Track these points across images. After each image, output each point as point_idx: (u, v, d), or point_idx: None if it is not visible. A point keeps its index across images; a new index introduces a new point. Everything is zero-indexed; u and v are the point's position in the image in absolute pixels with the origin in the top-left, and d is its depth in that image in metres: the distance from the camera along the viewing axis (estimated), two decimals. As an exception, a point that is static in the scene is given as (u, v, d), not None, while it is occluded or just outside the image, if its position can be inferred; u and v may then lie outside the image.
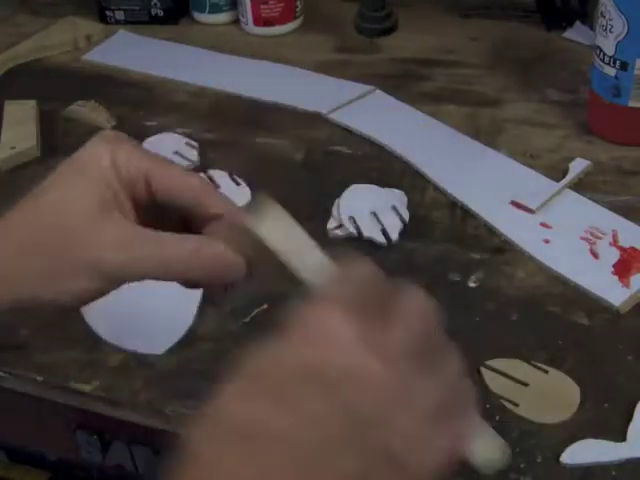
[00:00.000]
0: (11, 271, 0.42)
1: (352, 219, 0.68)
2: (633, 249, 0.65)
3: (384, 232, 0.68)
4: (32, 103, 0.86)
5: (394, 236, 0.68)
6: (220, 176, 0.75)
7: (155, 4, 1.02)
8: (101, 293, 0.42)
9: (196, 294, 0.63)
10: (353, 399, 0.34)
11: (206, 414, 0.35)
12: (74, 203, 0.42)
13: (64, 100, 0.87)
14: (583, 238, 0.67)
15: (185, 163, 0.77)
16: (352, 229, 0.68)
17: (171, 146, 0.78)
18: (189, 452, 0.34)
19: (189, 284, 0.44)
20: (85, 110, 0.86)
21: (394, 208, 0.69)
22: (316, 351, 0.35)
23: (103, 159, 0.42)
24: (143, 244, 0.42)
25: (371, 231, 0.68)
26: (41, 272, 0.41)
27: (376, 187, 0.71)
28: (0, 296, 0.41)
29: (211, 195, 0.44)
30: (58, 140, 0.83)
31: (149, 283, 0.63)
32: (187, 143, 0.79)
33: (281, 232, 0.41)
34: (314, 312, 0.36)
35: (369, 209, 0.69)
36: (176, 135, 0.81)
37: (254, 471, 0.33)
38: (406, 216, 0.69)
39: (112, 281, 0.42)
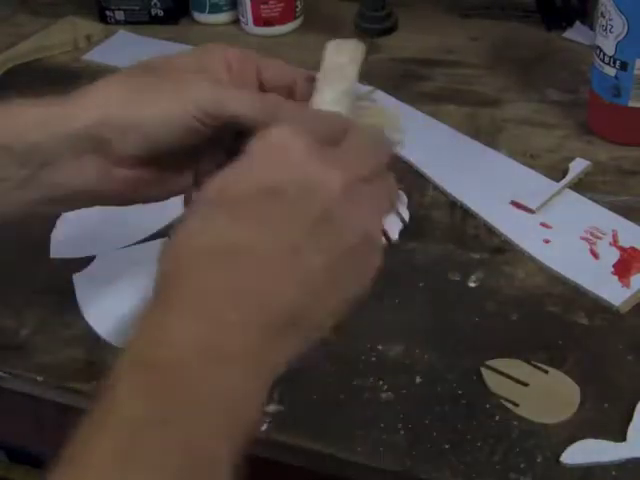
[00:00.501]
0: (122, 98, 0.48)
1: None
2: (633, 249, 0.65)
3: (384, 232, 0.68)
4: (32, 103, 0.86)
5: (394, 236, 0.68)
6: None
7: (155, 4, 1.02)
8: (191, 128, 0.46)
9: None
10: (312, 206, 0.37)
11: (179, 240, 0.37)
12: (178, 62, 0.51)
13: (64, 100, 0.87)
14: (583, 238, 0.67)
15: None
16: None
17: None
18: (167, 271, 0.36)
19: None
20: (85, 110, 0.86)
21: None
22: (275, 170, 0.38)
23: (216, 54, 0.51)
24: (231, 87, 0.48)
25: None
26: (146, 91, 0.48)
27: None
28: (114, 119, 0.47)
29: (301, 73, 0.53)
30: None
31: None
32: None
33: (336, 60, 0.48)
34: (272, 136, 0.39)
35: None
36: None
37: (226, 283, 0.35)
38: (406, 216, 0.69)
39: (205, 114, 0.46)
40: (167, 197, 0.51)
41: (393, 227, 0.68)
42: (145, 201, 0.51)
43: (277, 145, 0.38)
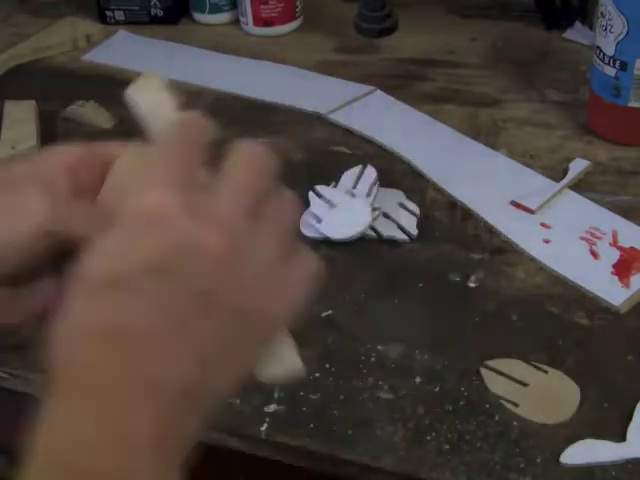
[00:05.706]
0: None
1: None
2: (633, 249, 0.65)
3: (402, 229, 0.68)
4: (32, 103, 0.86)
5: (413, 231, 0.68)
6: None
7: (155, 4, 1.02)
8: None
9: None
10: (194, 275, 0.35)
11: (65, 322, 0.35)
12: (14, 172, 0.42)
13: (64, 100, 0.87)
14: (583, 238, 0.67)
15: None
16: (370, 232, 0.68)
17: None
18: (58, 363, 0.35)
19: None
20: (85, 110, 0.86)
21: (401, 205, 0.69)
22: (148, 239, 0.35)
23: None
24: None
25: (390, 230, 0.68)
26: None
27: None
28: None
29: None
30: (58, 140, 0.83)
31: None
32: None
33: (148, 97, 0.44)
34: (139, 202, 0.36)
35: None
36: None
37: (124, 366, 0.34)
38: (416, 209, 0.69)
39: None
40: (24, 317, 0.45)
41: (409, 222, 0.68)
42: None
43: (150, 211, 0.36)
